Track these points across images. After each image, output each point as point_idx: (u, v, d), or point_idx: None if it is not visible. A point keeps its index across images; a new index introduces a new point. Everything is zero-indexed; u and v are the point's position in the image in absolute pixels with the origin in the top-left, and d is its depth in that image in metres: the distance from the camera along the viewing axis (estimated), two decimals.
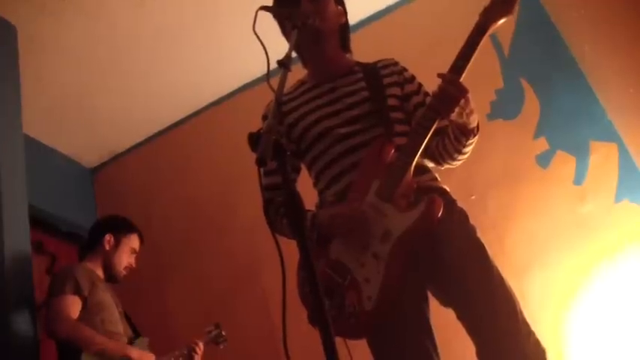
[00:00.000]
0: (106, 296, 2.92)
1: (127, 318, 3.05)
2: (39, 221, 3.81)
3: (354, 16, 3.85)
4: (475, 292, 1.74)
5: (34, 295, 2.91)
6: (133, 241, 3.15)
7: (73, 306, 2.75)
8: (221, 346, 3.20)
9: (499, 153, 3.47)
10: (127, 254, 3.10)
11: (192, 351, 3.03)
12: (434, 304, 1.89)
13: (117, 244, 3.09)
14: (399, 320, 1.75)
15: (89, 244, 3.14)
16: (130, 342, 2.90)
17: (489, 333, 1.71)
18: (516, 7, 1.76)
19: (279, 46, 1.95)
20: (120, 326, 2.90)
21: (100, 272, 3.03)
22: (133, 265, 3.14)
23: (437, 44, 3.62)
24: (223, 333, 3.21)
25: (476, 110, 1.77)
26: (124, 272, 3.09)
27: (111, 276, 3.06)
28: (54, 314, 2.73)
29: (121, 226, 3.16)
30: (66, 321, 2.69)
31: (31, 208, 3.14)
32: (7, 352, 2.55)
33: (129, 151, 4.79)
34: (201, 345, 3.08)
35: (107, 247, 3.07)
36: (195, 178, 4.38)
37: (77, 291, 2.78)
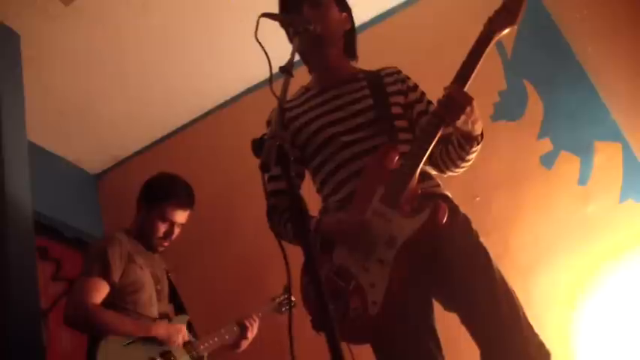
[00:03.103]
0: (143, 274, 2.70)
1: (173, 293, 2.87)
2: (44, 227, 3.82)
3: (357, 19, 3.89)
4: (478, 296, 1.75)
5: (39, 301, 2.91)
6: (165, 212, 2.81)
7: (97, 290, 2.53)
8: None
9: (503, 154, 3.46)
10: (158, 224, 2.81)
11: (244, 327, 2.86)
12: (439, 305, 1.89)
13: (147, 214, 2.82)
14: (404, 324, 1.75)
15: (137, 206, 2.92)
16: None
17: (492, 335, 1.72)
18: (520, 17, 1.76)
19: (282, 51, 1.96)
20: (154, 308, 2.70)
21: (140, 243, 2.82)
22: (173, 235, 2.87)
23: (440, 47, 3.63)
24: (293, 298, 3.03)
25: (480, 118, 1.77)
26: (163, 242, 2.85)
27: (148, 247, 2.84)
28: (73, 298, 2.55)
29: (153, 195, 2.86)
30: (83, 306, 2.47)
31: (36, 215, 3.15)
32: (13, 359, 2.56)
33: (132, 156, 4.80)
34: (255, 319, 2.90)
35: (139, 218, 2.86)
36: (199, 182, 4.34)
37: (105, 273, 2.56)
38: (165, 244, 2.87)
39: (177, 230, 2.88)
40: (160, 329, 2.58)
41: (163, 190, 2.85)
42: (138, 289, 2.65)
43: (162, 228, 2.82)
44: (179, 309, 2.88)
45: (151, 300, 2.71)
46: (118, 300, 2.59)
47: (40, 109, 3.82)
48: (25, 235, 2.94)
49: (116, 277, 2.59)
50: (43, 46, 3.60)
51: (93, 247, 2.79)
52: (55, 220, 4.09)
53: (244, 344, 2.90)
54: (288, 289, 2.85)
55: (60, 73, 3.83)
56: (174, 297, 2.90)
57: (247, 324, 2.87)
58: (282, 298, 3.10)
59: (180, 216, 2.86)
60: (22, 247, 2.87)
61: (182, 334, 2.65)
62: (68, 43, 3.64)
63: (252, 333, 2.89)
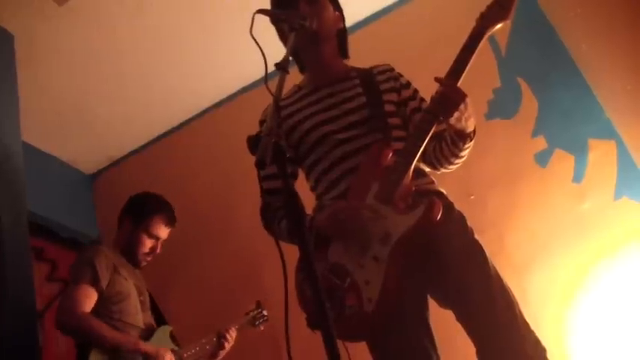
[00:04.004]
0: (127, 284, 2.79)
1: (153, 305, 2.94)
2: (39, 228, 3.81)
3: (352, 17, 3.89)
4: (474, 294, 1.75)
5: (35, 301, 2.90)
6: (153, 227, 2.92)
7: (87, 298, 2.62)
8: (261, 327, 3.12)
9: (497, 152, 3.47)
10: (145, 240, 2.91)
11: (222, 338, 2.93)
12: (434, 302, 1.90)
13: (134, 229, 2.92)
14: (399, 321, 1.75)
15: (118, 222, 3.02)
16: (151, 332, 2.80)
17: (488, 333, 1.72)
18: (513, 12, 1.77)
19: (277, 48, 1.96)
20: (139, 317, 2.79)
21: (123, 256, 2.91)
22: (157, 251, 2.96)
23: (436, 44, 3.63)
24: (264, 312, 3.11)
25: (473, 114, 1.78)
26: (146, 258, 2.94)
27: (132, 261, 2.92)
28: (64, 305, 2.63)
29: (140, 210, 2.96)
30: (75, 313, 2.57)
31: (31, 215, 3.14)
32: None
33: (128, 156, 4.79)
34: (232, 331, 2.98)
35: (125, 232, 2.94)
36: (195, 182, 4.39)
37: (94, 281, 2.65)
38: (149, 259, 2.96)
39: (160, 246, 2.98)
40: (149, 346, 2.66)
41: (150, 205, 2.98)
42: (123, 298, 2.74)
43: (149, 243, 2.93)
44: (160, 322, 2.96)
45: (137, 309, 2.79)
46: (103, 309, 2.66)
47: (34, 110, 3.80)
48: (20, 235, 2.93)
49: (104, 284, 2.68)
50: (38, 46, 3.58)
51: (80, 257, 2.85)
52: (51, 220, 4.08)
53: (222, 354, 2.99)
54: (259, 304, 3.11)
55: (55, 73, 3.82)
56: (154, 312, 2.97)
57: (225, 335, 2.96)
58: (255, 312, 3.18)
59: (164, 232, 2.98)
60: (18, 247, 2.86)
61: (169, 357, 2.70)
62: (63, 43, 3.63)
63: (229, 344, 2.98)
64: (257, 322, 3.14)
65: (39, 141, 4.23)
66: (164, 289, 4.12)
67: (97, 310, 2.64)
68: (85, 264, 2.70)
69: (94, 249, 2.84)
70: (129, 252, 2.91)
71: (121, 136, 4.60)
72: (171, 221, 3.00)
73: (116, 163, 4.82)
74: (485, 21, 1.78)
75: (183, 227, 4.25)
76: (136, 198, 3.06)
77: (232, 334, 2.97)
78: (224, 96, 4.50)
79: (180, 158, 4.52)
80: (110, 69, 3.94)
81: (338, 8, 2.10)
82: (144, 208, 2.96)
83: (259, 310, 3.16)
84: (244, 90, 4.40)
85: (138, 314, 2.78)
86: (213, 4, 3.69)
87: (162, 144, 4.69)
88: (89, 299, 2.63)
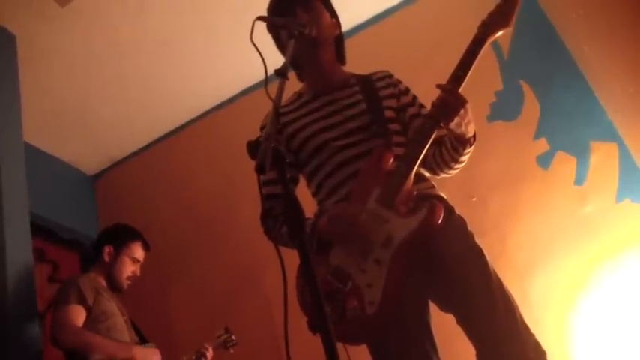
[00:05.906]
0: (111, 305, 2.94)
1: (134, 325, 3.06)
2: (40, 229, 3.81)
3: (354, 20, 3.89)
4: (474, 297, 1.75)
5: (36, 302, 2.92)
6: (134, 251, 3.15)
7: (78, 315, 2.78)
8: (231, 350, 3.22)
9: (499, 154, 3.47)
10: (128, 264, 3.11)
11: (201, 356, 3.05)
12: (435, 306, 1.90)
13: (117, 255, 3.11)
14: (400, 324, 1.75)
15: (94, 254, 3.18)
16: None
17: (489, 337, 1.72)
18: (514, 20, 1.77)
19: (277, 53, 1.96)
20: (125, 334, 2.93)
21: (104, 282, 3.05)
22: (137, 274, 3.16)
23: (437, 47, 3.63)
24: (233, 337, 3.24)
25: (473, 120, 1.78)
26: (128, 282, 3.11)
27: (114, 287, 3.07)
28: (59, 323, 2.77)
29: (120, 237, 3.17)
30: (70, 329, 2.73)
31: (33, 216, 3.15)
32: None
33: (129, 157, 4.80)
34: (210, 350, 3.10)
35: (107, 259, 3.09)
36: (196, 183, 4.39)
37: (81, 301, 2.81)
38: (129, 282, 3.13)
39: (139, 270, 3.17)
40: (139, 352, 2.82)
41: (129, 233, 3.21)
42: (109, 317, 2.89)
43: (132, 267, 3.14)
44: (143, 340, 3.07)
45: (123, 327, 2.94)
46: (92, 328, 2.80)
47: (36, 110, 3.82)
48: (22, 236, 2.94)
49: (90, 302, 2.84)
50: (40, 47, 3.59)
51: (63, 282, 3.01)
52: (52, 221, 4.09)
53: None
54: (228, 329, 3.21)
55: (56, 74, 3.83)
56: (136, 333, 3.08)
57: (205, 353, 3.09)
58: (225, 336, 3.27)
59: (143, 255, 3.21)
60: (19, 248, 2.88)
61: (158, 357, 2.90)
62: (65, 44, 3.64)
63: None
64: (228, 345, 3.25)
65: (41, 141, 4.24)
66: (165, 293, 4.13)
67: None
68: (70, 286, 2.87)
69: (77, 275, 3.13)
70: (112, 278, 3.08)
71: (123, 137, 4.60)
72: (147, 246, 3.23)
73: (118, 164, 4.83)
74: (486, 28, 1.79)
75: (184, 229, 4.28)
76: (113, 228, 3.27)
77: (210, 352, 3.11)
78: (225, 98, 4.51)
79: (182, 160, 4.52)
80: (112, 70, 3.95)
81: (334, 15, 2.11)
82: (124, 236, 3.18)
83: (228, 334, 3.26)
84: (245, 92, 4.41)
85: (125, 332, 2.93)
86: (214, 6, 3.69)
87: (164, 145, 4.70)
88: (80, 316, 2.80)
